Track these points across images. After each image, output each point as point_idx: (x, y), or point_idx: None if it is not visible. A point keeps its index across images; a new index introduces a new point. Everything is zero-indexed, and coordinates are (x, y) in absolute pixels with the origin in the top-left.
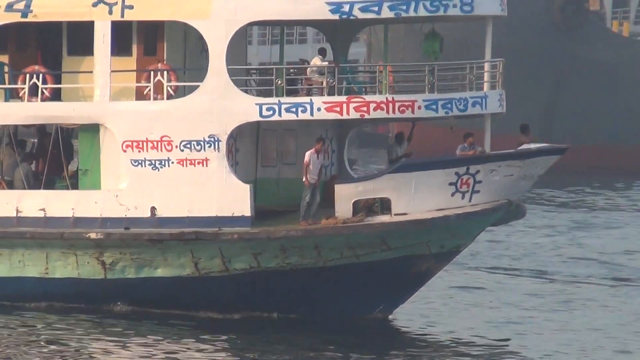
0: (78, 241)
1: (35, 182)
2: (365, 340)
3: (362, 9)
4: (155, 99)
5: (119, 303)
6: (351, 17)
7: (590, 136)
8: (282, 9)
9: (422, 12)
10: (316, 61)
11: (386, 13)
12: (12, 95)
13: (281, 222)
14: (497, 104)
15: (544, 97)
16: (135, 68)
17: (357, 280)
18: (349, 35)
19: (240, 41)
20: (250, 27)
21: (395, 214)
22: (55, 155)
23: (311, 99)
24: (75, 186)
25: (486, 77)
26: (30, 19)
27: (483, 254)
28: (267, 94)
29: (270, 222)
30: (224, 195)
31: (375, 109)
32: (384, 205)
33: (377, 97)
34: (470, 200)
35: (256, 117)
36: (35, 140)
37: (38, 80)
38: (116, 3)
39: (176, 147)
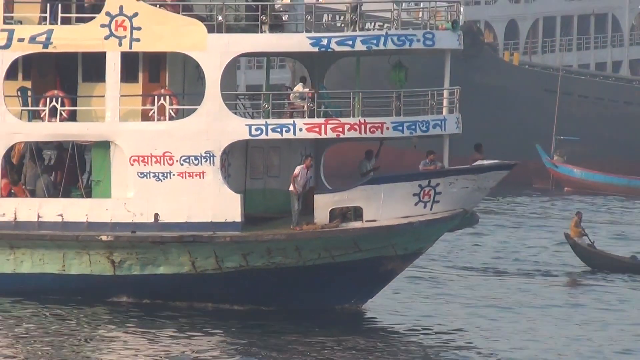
0: (91, 242)
1: (54, 191)
2: (339, 328)
3: (339, 43)
4: (158, 119)
5: (125, 296)
6: (329, 50)
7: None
8: (269, 42)
9: (390, 46)
10: (298, 88)
11: (359, 46)
12: (35, 116)
13: (267, 227)
14: (454, 125)
15: None
16: (141, 93)
17: (333, 277)
18: (325, 65)
19: (231, 70)
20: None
21: (366, 221)
22: (72, 168)
23: (294, 121)
24: (88, 195)
25: (445, 102)
26: (50, 49)
27: (441, 255)
28: (255, 114)
29: (258, 227)
30: (218, 203)
31: (349, 130)
32: (357, 213)
33: (351, 120)
34: (431, 209)
35: (246, 136)
36: (51, 152)
37: (57, 103)
38: (125, 36)
39: (177, 161)
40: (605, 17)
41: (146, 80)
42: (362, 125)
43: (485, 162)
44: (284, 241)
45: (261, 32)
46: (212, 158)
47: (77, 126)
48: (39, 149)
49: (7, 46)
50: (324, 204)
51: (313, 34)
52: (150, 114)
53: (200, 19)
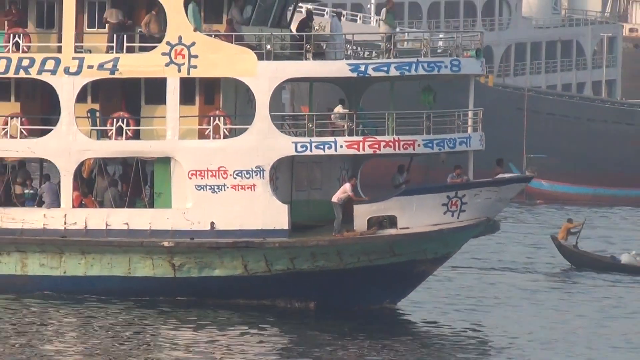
0: (154, 248)
1: (120, 202)
2: (375, 325)
3: (375, 69)
4: (213, 138)
5: (184, 296)
6: (366, 75)
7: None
8: (312, 69)
9: (421, 71)
10: (338, 109)
11: (393, 72)
12: (103, 135)
13: (311, 234)
14: (478, 143)
15: None
16: (198, 114)
17: (370, 279)
18: (362, 89)
19: (277, 92)
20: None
21: (401, 228)
22: (136, 181)
23: (335, 139)
24: (151, 205)
25: (470, 122)
26: (116, 75)
27: (469, 257)
28: (300, 133)
29: (303, 234)
30: (267, 213)
31: (385, 146)
32: (392, 221)
33: (386, 137)
34: (458, 218)
35: (292, 152)
36: (115, 167)
37: (123, 124)
38: (184, 63)
39: (230, 175)
40: (571, 43)
41: (202, 102)
42: (397, 143)
43: (505, 175)
44: (326, 246)
45: (305, 59)
46: (262, 172)
47: (141, 144)
48: (105, 164)
49: (77, 72)
50: (362, 213)
51: (352, 61)
52: (206, 133)
53: (251, 47)
